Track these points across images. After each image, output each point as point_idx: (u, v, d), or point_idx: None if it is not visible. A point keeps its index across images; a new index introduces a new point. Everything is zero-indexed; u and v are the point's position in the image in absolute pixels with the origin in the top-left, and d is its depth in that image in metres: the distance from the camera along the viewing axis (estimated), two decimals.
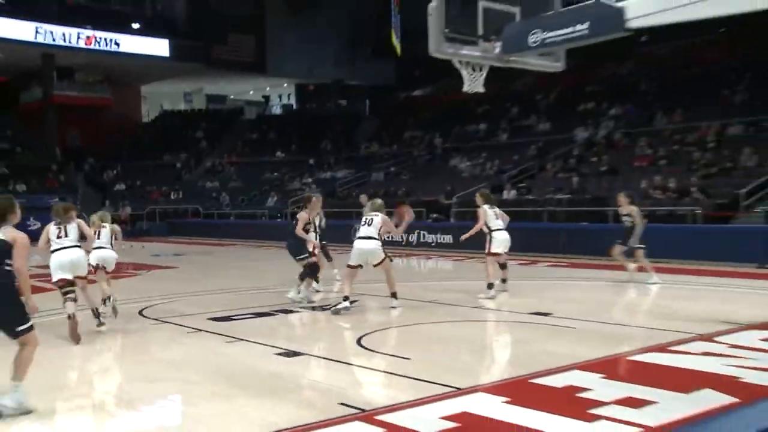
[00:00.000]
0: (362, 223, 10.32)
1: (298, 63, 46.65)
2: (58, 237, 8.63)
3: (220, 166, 42.69)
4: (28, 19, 38.81)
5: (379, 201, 10.67)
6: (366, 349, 7.69)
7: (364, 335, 8.33)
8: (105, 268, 10.23)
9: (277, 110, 54.58)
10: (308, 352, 7.58)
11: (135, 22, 43.27)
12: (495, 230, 11.59)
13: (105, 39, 41.02)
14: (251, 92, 55.61)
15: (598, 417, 5.13)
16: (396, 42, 35.80)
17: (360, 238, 10.21)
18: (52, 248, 8.63)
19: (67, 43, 39.90)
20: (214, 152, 44.56)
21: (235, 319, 9.86)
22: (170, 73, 46.67)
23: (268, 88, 54.51)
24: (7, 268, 5.40)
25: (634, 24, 7.01)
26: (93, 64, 42.91)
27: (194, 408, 5.79)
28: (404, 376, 6.38)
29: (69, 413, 5.86)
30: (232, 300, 11.93)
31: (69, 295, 8.53)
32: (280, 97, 56.41)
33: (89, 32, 40.49)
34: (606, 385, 5.96)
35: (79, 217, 9.20)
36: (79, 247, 8.77)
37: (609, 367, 6.65)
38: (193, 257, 22.04)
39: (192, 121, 48.85)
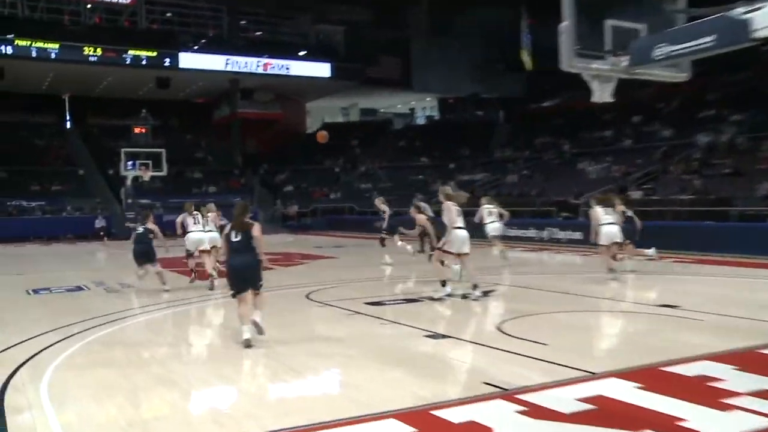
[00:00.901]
0: (458, 214, 10.15)
1: (439, 79, 46.77)
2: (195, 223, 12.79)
3: (372, 170, 43.35)
4: (220, 53, 41.51)
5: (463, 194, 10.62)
6: (505, 334, 7.47)
7: (503, 321, 8.11)
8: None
9: (421, 121, 54.81)
10: (453, 335, 7.46)
11: (302, 50, 44.92)
12: (604, 224, 11.85)
13: (278, 64, 42.83)
14: (399, 106, 56.20)
15: (731, 407, 4.70)
16: (526, 58, 34.96)
17: (460, 228, 10.15)
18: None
19: (249, 70, 42.10)
20: (367, 158, 45.34)
21: (387, 304, 9.89)
22: (330, 91, 47.99)
23: (413, 102, 54.96)
24: (252, 246, 7.51)
25: (759, 34, 6.49)
26: (268, 85, 44.94)
27: (353, 378, 5.83)
28: (541, 360, 6.14)
29: (249, 379, 6.08)
30: (385, 287, 12.00)
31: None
32: (423, 109, 56.64)
33: (266, 60, 42.52)
34: (739, 376, 5.46)
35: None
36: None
37: (741, 360, 6.07)
38: (350, 249, 22.45)
39: (348, 132, 49.85)
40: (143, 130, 40.65)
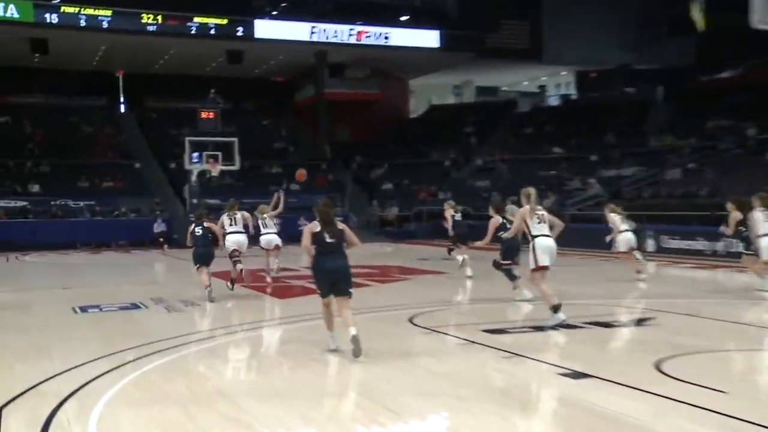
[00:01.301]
0: (537, 221, 10.45)
1: (577, 48, 45.84)
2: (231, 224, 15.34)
3: (491, 164, 43.10)
4: (304, 20, 42.24)
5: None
6: (667, 375, 7.18)
7: (663, 359, 7.81)
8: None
9: (554, 101, 54.01)
10: (598, 375, 7.24)
11: (404, 14, 44.98)
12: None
13: (375, 33, 43.15)
14: (525, 82, 55.64)
15: None
16: (698, 15, 33.54)
17: (543, 235, 10.42)
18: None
19: (338, 40, 42.64)
20: (484, 149, 45.13)
21: (511, 332, 9.77)
22: (439, 66, 48.03)
23: (543, 78, 54.26)
24: (344, 248, 8.64)
25: None
26: (362, 59, 45.43)
27: (465, 425, 5.76)
28: (719, 413, 5.87)
29: (338, 422, 6.08)
30: (507, 310, 11.85)
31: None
32: (557, 86, 55.80)
33: (360, 27, 42.87)
34: None
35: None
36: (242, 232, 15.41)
37: None
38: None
39: (461, 116, 49.87)
40: (211, 115, 42.08)
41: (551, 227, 10.55)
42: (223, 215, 15.56)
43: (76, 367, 8.12)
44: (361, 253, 24.80)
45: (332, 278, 8.53)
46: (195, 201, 32.08)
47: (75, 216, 35.58)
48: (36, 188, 37.30)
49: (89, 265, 24.71)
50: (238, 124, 43.88)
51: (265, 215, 17.50)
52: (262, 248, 17.33)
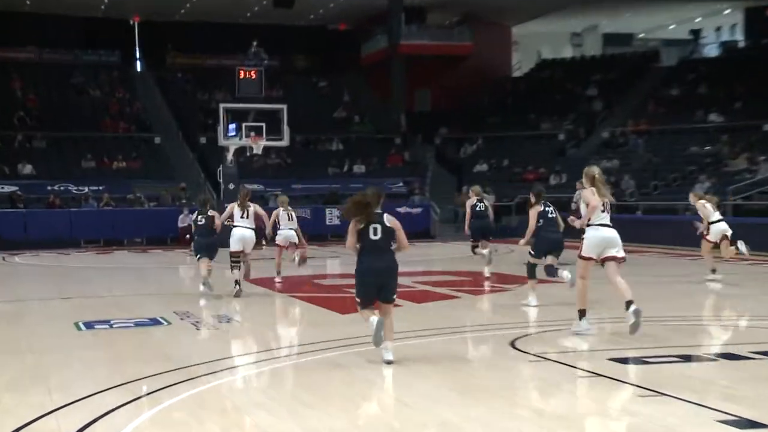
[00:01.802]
0: (602, 205, 11.30)
1: None
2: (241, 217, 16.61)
3: (622, 137, 42.55)
4: None
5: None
6: None
7: None
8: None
9: (712, 51, 52.73)
10: None
11: None
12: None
13: None
14: (671, 26, 54.57)
15: None
16: None
17: (606, 225, 11.33)
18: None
19: None
20: (612, 117, 44.58)
21: (650, 362, 9.63)
22: (552, 6, 47.57)
23: (698, 18, 53.04)
24: (392, 248, 9.73)
25: None
26: (449, 1, 45.31)
27: None
28: None
29: None
30: (645, 333, 11.68)
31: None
32: (717, 30, 54.57)
33: None
34: None
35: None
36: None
37: None
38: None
39: (581, 74, 49.29)
40: (253, 75, 42.29)
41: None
42: (234, 204, 16.86)
43: (79, 399, 8.24)
44: (448, 255, 24.84)
45: (376, 282, 9.67)
46: (231, 186, 32.41)
47: (78, 205, 36.29)
48: (28, 169, 38.21)
49: (96, 268, 25.24)
50: (288, 86, 44.31)
51: (287, 207, 19.16)
52: (277, 245, 18.91)
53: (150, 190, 37.61)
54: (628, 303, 10.87)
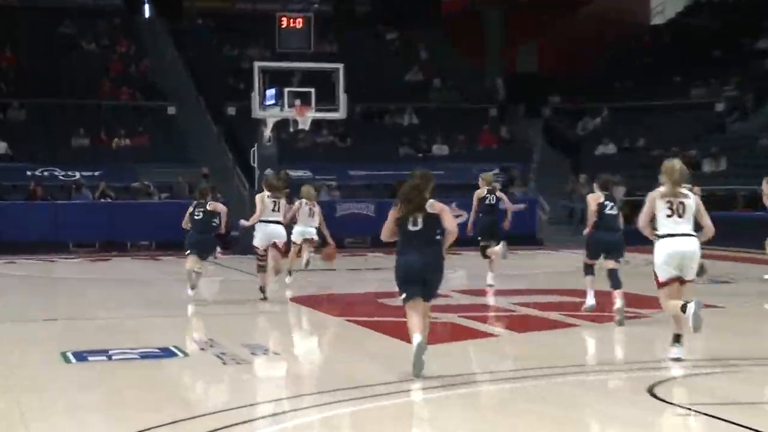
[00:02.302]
0: (667, 212, 11.93)
1: None
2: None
3: None
4: None
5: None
6: None
7: None
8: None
9: None
10: None
11: None
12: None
13: None
14: None
15: None
16: None
17: (676, 235, 11.92)
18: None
19: None
20: None
21: None
22: None
23: None
24: (438, 237, 10.91)
25: None
26: None
27: None
28: None
29: None
30: None
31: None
32: None
33: None
34: None
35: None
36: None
37: None
38: (754, 286, 22.12)
39: (751, 19, 48.40)
40: (299, 25, 42.48)
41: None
42: (264, 194, 18.50)
43: None
44: (560, 267, 24.82)
45: (416, 277, 10.98)
46: (269, 172, 32.45)
47: (66, 196, 36.61)
48: (1, 148, 38.73)
49: (90, 280, 25.50)
50: (345, 40, 44.36)
51: (312, 202, 21.20)
52: (293, 243, 20.56)
53: (161, 177, 38.00)
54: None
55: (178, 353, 13.46)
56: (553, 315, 17.06)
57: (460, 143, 41.68)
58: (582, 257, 16.91)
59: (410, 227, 10.71)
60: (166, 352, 13.53)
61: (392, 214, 10.84)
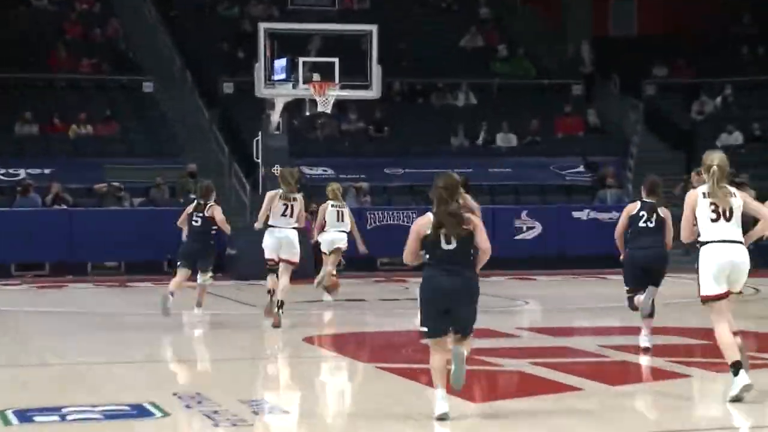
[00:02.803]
0: (712, 215, 12.83)
1: None
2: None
3: None
4: None
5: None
6: None
7: None
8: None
9: None
10: None
11: None
12: None
13: None
14: None
15: None
16: None
17: (719, 241, 12.83)
18: None
19: None
20: None
21: None
22: None
23: None
24: (472, 258, 11.62)
25: None
26: None
27: None
28: None
29: None
30: None
31: None
32: None
33: None
34: None
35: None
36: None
37: None
38: None
39: None
40: None
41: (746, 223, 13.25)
42: (277, 192, 19.30)
43: None
44: (665, 298, 24.91)
45: (448, 304, 11.54)
46: (278, 169, 32.55)
47: (8, 201, 36.79)
48: None
49: (39, 314, 25.62)
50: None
51: (339, 201, 22.83)
52: (321, 252, 22.12)
53: (135, 177, 38.00)
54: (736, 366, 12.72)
55: (155, 412, 13.52)
56: (659, 361, 17.20)
57: (533, 131, 41.59)
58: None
59: (443, 245, 11.17)
60: (139, 411, 13.59)
61: (417, 231, 11.36)
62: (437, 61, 43.85)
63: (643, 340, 17.18)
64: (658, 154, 42.21)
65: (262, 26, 33.51)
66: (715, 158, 12.78)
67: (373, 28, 33.13)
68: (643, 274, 16.62)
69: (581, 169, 39.35)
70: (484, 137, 41.06)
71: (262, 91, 32.98)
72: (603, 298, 24.41)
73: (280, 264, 19.17)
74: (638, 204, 16.71)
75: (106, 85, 42.47)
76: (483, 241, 11.36)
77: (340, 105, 34.52)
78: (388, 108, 39.26)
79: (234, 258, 30.90)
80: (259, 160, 33.60)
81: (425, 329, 11.49)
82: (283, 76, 32.46)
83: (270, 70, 32.71)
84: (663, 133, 43.56)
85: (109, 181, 37.20)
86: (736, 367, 12.64)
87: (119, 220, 35.43)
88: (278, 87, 32.62)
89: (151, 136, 40.29)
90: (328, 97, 32.39)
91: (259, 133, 33.98)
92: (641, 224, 16.34)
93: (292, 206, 18.92)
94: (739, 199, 12.80)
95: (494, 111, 42.54)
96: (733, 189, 12.86)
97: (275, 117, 33.66)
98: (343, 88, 32.28)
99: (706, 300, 12.90)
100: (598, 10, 47.42)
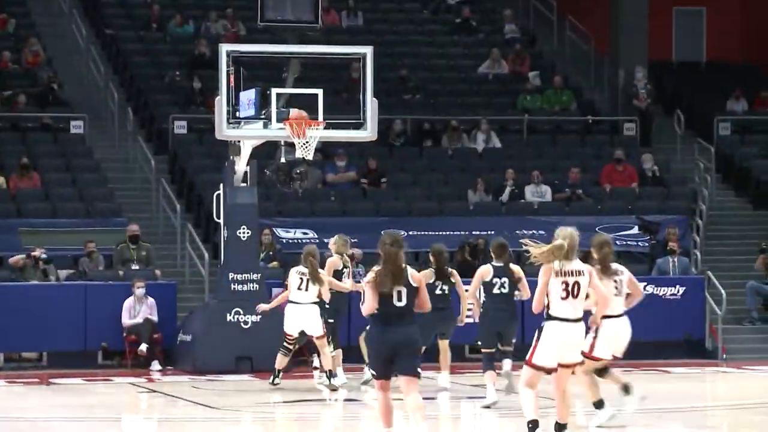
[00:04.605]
0: (562, 292, 15.03)
1: None
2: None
3: None
4: None
5: None
6: None
7: None
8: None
9: None
10: None
11: None
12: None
13: None
14: None
15: None
16: None
17: (561, 319, 15.18)
18: None
19: None
20: None
21: None
22: None
23: None
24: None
25: None
26: None
27: None
28: None
29: None
30: None
31: None
32: None
33: None
34: None
35: None
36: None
37: None
38: None
39: None
40: None
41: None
42: (293, 270, 22.15)
43: None
44: (751, 397, 25.50)
45: (393, 352, 14.30)
46: (245, 233, 32.71)
47: None
48: None
49: None
50: (377, 7, 44.87)
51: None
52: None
53: (60, 243, 38.04)
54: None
55: None
56: None
57: (573, 182, 41.62)
58: None
59: (395, 302, 14.04)
60: None
61: (373, 287, 14.03)
62: (450, 92, 44.06)
63: None
64: (734, 211, 42.37)
65: (224, 48, 33.51)
66: (566, 233, 14.82)
67: (368, 51, 33.20)
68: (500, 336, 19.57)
69: (635, 231, 39.41)
70: (510, 191, 41.05)
71: (224, 131, 32.96)
72: (667, 396, 24.39)
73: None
74: (492, 268, 19.46)
75: (22, 125, 42.55)
76: (425, 300, 14.39)
77: (324, 150, 34.58)
78: (387, 153, 39.42)
79: (186, 346, 30.90)
80: (221, 221, 33.70)
81: (373, 372, 14.54)
82: (251, 112, 32.49)
83: (234, 105, 32.78)
84: (740, 184, 43.70)
85: (27, 249, 37.30)
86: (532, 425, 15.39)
87: (40, 298, 35.43)
88: (245, 126, 32.67)
89: (82, 191, 40.33)
90: (309, 139, 32.39)
91: (221, 186, 34.08)
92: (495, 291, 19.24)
93: (306, 279, 21.73)
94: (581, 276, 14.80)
95: (523, 157, 42.63)
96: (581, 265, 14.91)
97: (241, 165, 33.74)
98: (328, 127, 32.33)
99: (536, 368, 15.28)
100: (658, 29, 47.63)
